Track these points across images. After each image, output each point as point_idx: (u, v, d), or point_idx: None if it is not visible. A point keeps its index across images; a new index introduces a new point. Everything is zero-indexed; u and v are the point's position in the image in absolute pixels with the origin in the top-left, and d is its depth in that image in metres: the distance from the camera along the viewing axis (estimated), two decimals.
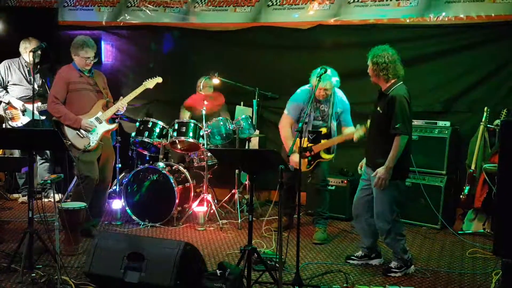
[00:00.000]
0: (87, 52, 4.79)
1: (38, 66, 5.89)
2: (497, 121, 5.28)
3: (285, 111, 5.10)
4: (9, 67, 5.99)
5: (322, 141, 4.93)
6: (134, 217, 5.39)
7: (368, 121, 4.41)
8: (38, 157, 6.25)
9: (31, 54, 5.17)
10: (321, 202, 5.14)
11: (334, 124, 5.04)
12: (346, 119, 5.07)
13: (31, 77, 5.98)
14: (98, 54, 6.12)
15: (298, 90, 5.07)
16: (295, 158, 4.60)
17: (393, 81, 4.06)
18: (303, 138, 4.39)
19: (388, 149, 3.98)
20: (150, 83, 5.21)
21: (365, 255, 4.42)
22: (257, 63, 6.48)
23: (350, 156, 5.98)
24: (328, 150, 5.01)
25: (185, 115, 6.11)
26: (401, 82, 4.08)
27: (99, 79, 5.01)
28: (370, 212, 4.22)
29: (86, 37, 4.89)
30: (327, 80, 4.78)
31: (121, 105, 4.96)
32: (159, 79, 5.26)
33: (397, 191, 4.09)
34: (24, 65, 6.03)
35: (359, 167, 4.40)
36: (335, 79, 4.88)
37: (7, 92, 5.95)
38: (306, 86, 5.04)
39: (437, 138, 5.49)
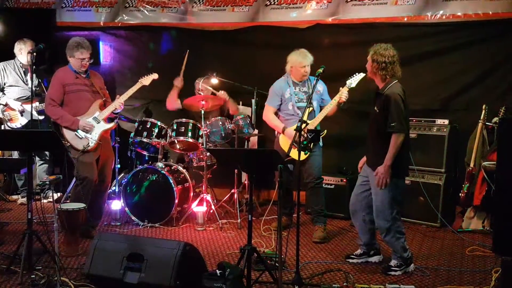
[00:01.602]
0: (82, 54, 4.78)
1: (34, 67, 5.89)
2: (496, 119, 5.29)
3: (266, 103, 5.34)
4: (4, 69, 5.99)
5: (315, 119, 5.01)
6: (133, 218, 5.39)
7: (347, 81, 4.74)
8: (37, 158, 6.26)
9: (29, 55, 5.18)
10: (318, 200, 5.15)
11: (316, 104, 5.15)
12: (327, 98, 5.21)
13: (27, 78, 5.98)
14: (96, 55, 6.11)
15: (275, 82, 5.30)
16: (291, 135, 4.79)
17: (388, 80, 4.09)
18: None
19: (387, 148, 3.99)
20: (146, 80, 5.21)
21: (364, 253, 4.43)
22: (256, 62, 6.48)
23: (349, 155, 6.01)
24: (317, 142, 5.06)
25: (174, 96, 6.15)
26: (396, 81, 4.09)
27: (96, 79, 5.00)
28: (367, 208, 4.23)
29: (81, 38, 4.89)
30: (307, 57, 5.05)
31: (118, 103, 4.96)
32: (155, 76, 5.26)
33: (396, 189, 4.10)
34: (19, 66, 6.03)
35: (359, 166, 4.41)
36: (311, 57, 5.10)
37: (4, 94, 5.95)
38: (282, 77, 5.27)
39: (435, 136, 5.50)
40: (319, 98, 5.17)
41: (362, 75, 4.72)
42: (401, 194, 4.19)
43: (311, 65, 5.10)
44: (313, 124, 4.96)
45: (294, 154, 4.63)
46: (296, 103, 5.11)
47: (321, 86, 5.18)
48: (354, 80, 4.84)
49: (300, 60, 5.05)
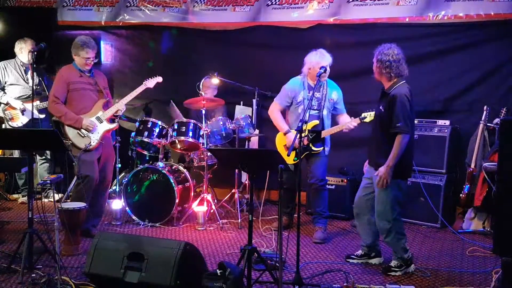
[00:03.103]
0: (88, 53, 4.78)
1: (34, 66, 5.90)
2: (497, 120, 5.29)
3: (275, 98, 5.23)
4: (5, 68, 6.00)
5: (324, 132, 4.94)
6: (134, 217, 5.39)
7: (362, 114, 4.55)
8: (38, 157, 6.26)
9: (30, 54, 5.19)
10: (321, 202, 5.14)
11: (326, 113, 5.03)
12: (341, 107, 5.11)
13: (28, 77, 5.99)
14: (97, 54, 6.11)
15: (290, 80, 5.15)
16: (291, 136, 4.86)
17: (395, 80, 4.07)
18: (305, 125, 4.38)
19: (390, 148, 3.98)
20: (151, 83, 5.21)
21: (365, 254, 4.43)
22: (257, 62, 6.48)
23: (350, 156, 6.01)
24: (318, 142, 5.00)
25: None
26: (404, 81, 4.08)
27: (100, 79, 5.01)
28: (372, 210, 4.22)
29: (87, 37, 4.89)
30: (325, 58, 4.84)
31: (122, 104, 4.96)
32: (159, 79, 5.26)
33: (398, 190, 4.10)
34: (20, 65, 6.04)
35: (364, 169, 4.39)
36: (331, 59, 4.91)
37: (5, 93, 5.96)
38: (298, 76, 5.11)
39: (436, 137, 5.50)
40: (330, 106, 5.04)
41: None
42: (403, 195, 4.19)
43: (330, 67, 4.88)
44: (329, 132, 4.92)
45: (290, 159, 4.64)
46: (308, 110, 5.02)
47: (335, 95, 5.05)
48: (369, 116, 4.54)
49: (318, 60, 4.83)
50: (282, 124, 5.10)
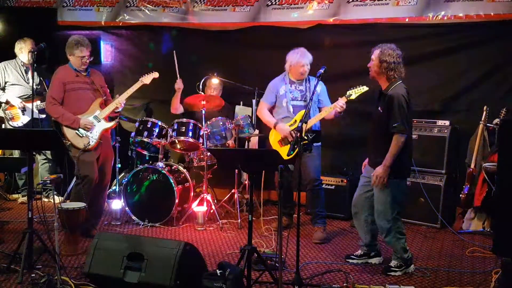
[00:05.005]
0: (82, 51, 4.78)
1: (35, 66, 5.90)
2: (497, 120, 5.29)
3: (261, 99, 5.37)
4: (5, 68, 6.01)
5: (310, 121, 4.94)
6: (133, 217, 5.39)
7: (348, 92, 4.67)
8: (39, 158, 6.26)
9: (30, 54, 5.19)
10: (318, 203, 5.14)
11: (311, 103, 5.02)
12: (326, 99, 5.16)
13: (28, 77, 5.99)
14: (97, 54, 6.11)
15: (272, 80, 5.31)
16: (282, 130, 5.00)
17: (393, 80, 4.08)
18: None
19: (388, 148, 3.99)
20: (147, 79, 5.20)
21: (364, 254, 4.43)
22: (256, 62, 6.47)
23: (349, 156, 6.01)
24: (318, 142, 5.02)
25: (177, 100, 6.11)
26: (400, 81, 4.09)
27: (96, 77, 5.00)
28: (370, 209, 4.23)
29: (80, 36, 4.90)
30: (306, 56, 5.02)
31: (119, 102, 4.95)
32: (155, 74, 5.25)
33: (397, 190, 4.10)
34: (20, 65, 6.04)
35: (363, 167, 4.40)
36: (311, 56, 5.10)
37: (4, 92, 5.95)
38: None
39: (436, 137, 5.50)
40: (315, 99, 5.10)
41: (364, 88, 4.61)
42: (402, 195, 4.19)
43: (311, 64, 5.07)
44: (313, 120, 4.95)
45: (283, 152, 4.65)
46: (290, 101, 5.08)
47: (319, 87, 5.11)
48: (354, 92, 4.68)
49: (299, 59, 5.01)
50: (269, 118, 5.20)
